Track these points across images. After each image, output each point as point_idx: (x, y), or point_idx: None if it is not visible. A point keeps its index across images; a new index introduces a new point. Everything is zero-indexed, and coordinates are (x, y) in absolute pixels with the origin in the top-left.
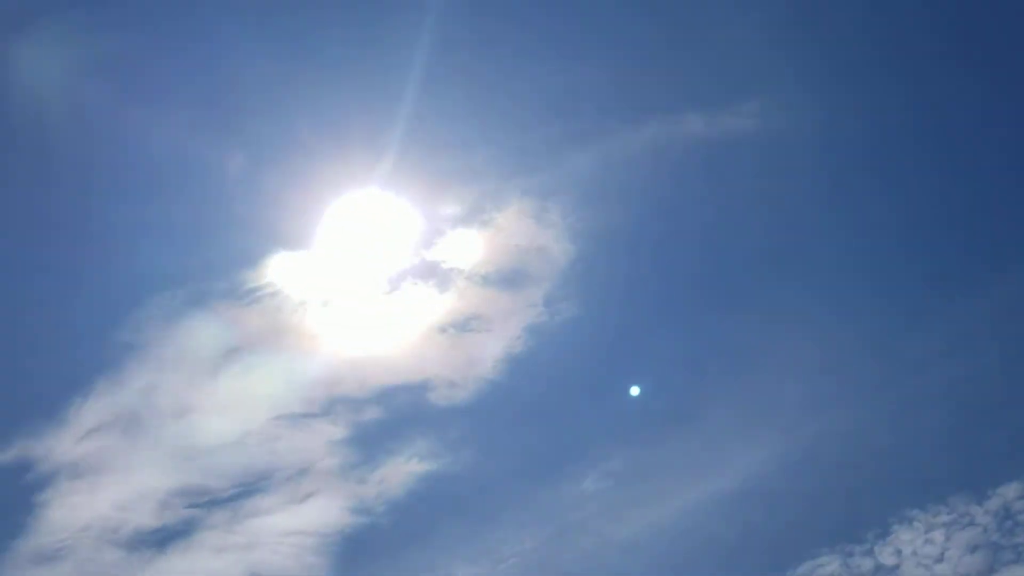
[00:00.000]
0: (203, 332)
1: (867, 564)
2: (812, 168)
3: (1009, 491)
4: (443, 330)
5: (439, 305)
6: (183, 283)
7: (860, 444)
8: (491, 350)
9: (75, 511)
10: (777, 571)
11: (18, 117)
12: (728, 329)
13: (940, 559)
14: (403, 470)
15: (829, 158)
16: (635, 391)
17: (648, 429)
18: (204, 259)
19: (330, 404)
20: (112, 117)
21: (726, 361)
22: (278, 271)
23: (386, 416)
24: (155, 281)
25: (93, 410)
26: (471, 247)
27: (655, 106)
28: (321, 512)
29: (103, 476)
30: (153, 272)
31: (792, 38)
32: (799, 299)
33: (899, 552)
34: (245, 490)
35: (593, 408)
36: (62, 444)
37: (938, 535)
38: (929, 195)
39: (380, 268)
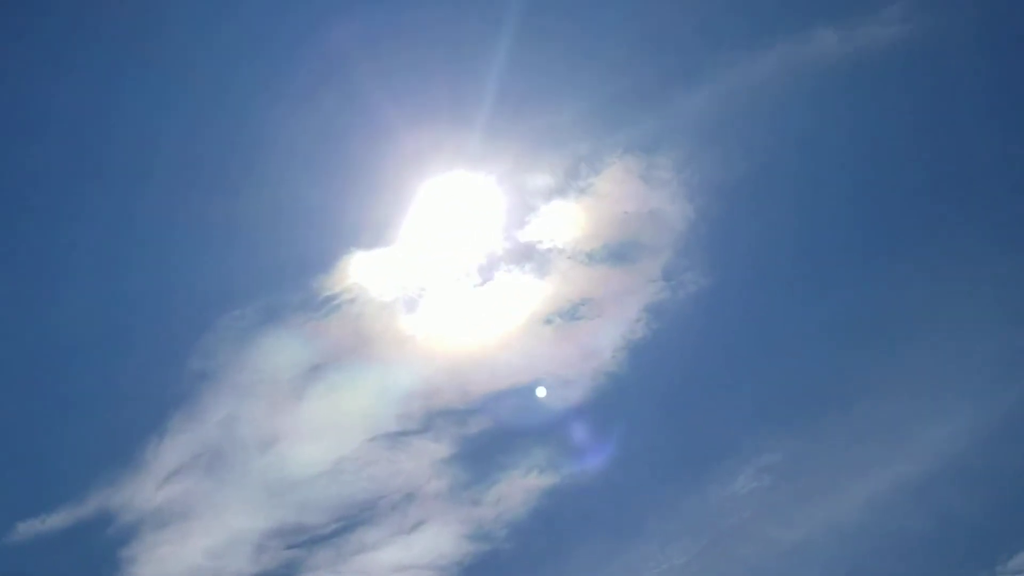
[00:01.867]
0: (281, 351)
1: None
2: (975, 81)
3: None
4: (549, 321)
5: (541, 293)
6: (254, 297)
7: None
8: (608, 338)
9: (165, 563)
10: (985, 567)
11: (73, 128)
12: (892, 286)
13: None
14: (522, 486)
15: (994, 67)
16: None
17: (807, 413)
18: (274, 268)
19: (430, 419)
20: (167, 109)
21: (894, 325)
22: (357, 273)
23: (495, 426)
24: (223, 298)
25: (171, 450)
26: (571, 221)
27: (775, 26)
28: (434, 541)
29: (191, 522)
30: (220, 288)
31: None
32: (975, 241)
33: None
34: (347, 524)
35: (736, 394)
36: (143, 491)
37: None
38: None
39: (469, 258)
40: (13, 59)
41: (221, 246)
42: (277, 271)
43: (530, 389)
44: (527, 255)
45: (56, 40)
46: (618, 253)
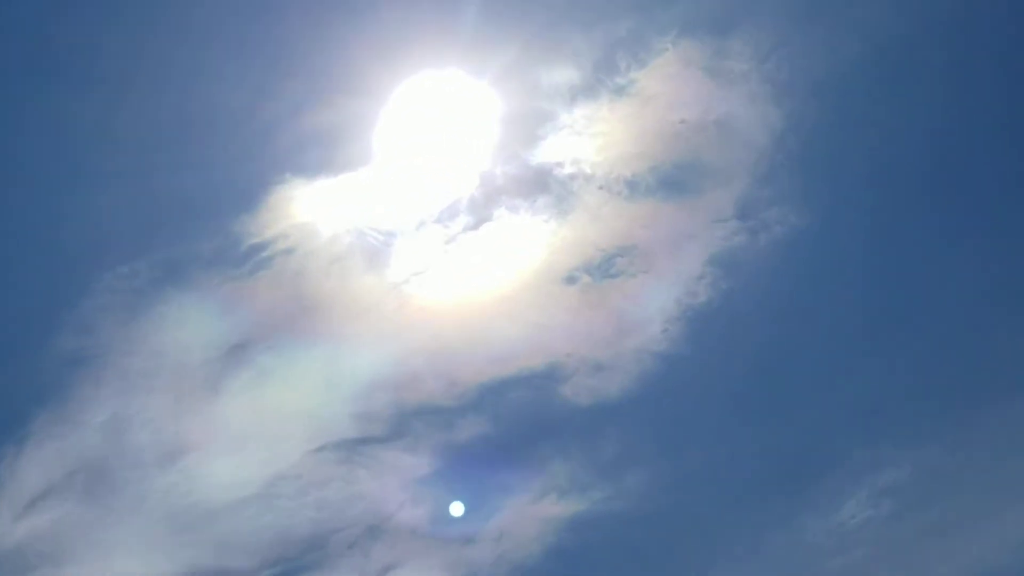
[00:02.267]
0: (189, 324)
1: None
2: None
3: None
4: (571, 279)
5: (560, 239)
6: (148, 248)
7: None
8: (656, 303)
9: None
10: None
11: None
12: None
13: None
14: (534, 516)
15: None
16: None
17: (946, 413)
18: (177, 206)
19: (402, 420)
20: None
21: None
22: (297, 212)
23: (494, 431)
24: (105, 250)
25: (35, 465)
26: (603, 136)
27: None
28: None
29: (63, 566)
30: (100, 236)
31: None
32: None
33: None
34: (286, 569)
35: (844, 386)
36: None
37: None
38: None
39: (457, 191)
40: None
41: (102, 178)
42: (181, 211)
43: (545, 378)
44: (540, 186)
45: None
46: (672, 181)
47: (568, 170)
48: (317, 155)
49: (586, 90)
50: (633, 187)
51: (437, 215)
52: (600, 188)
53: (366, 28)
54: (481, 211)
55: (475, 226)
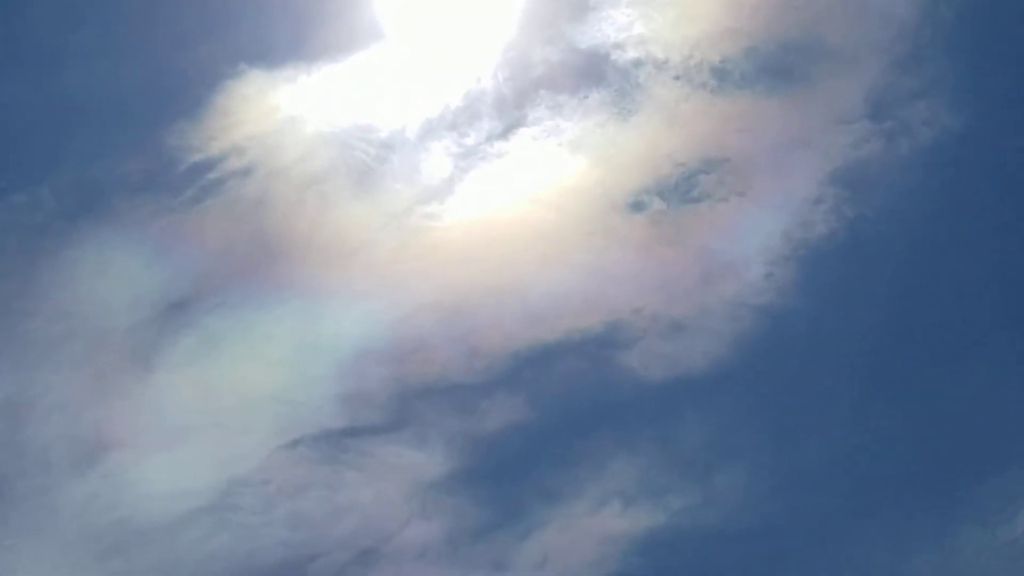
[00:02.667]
0: (111, 273)
1: None
2: None
3: None
4: (638, 205)
5: (622, 150)
6: (55, 170)
7: None
8: (756, 237)
9: None
10: None
11: None
12: None
13: None
14: (590, 531)
15: None
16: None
17: None
18: (94, 108)
19: (406, 404)
20: None
21: None
22: (255, 116)
23: (534, 415)
24: (5, 164)
25: None
26: (681, 6)
27: None
28: None
29: None
30: None
31: None
32: None
33: None
34: None
35: (1018, 354)
36: None
37: None
38: None
39: (480, 86)
40: None
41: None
42: (97, 117)
43: (602, 343)
44: (593, 76)
45: None
46: (777, 68)
47: (632, 54)
48: (285, 36)
49: None
50: (724, 77)
51: (452, 119)
52: (677, 79)
53: None
54: (512, 112)
55: (504, 133)
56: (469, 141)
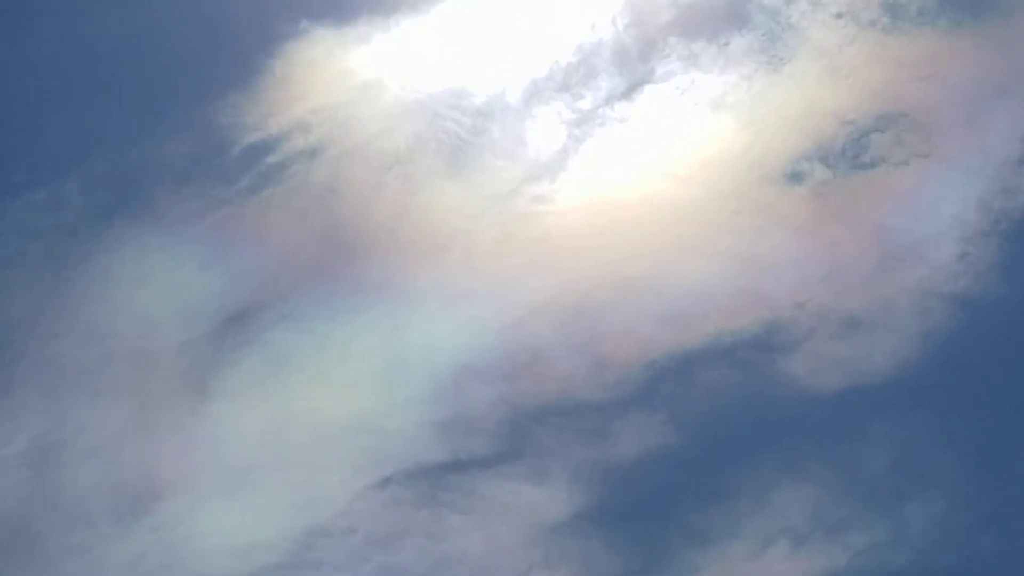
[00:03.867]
0: (155, 283)
1: None
2: None
3: None
4: (797, 175)
5: (775, 108)
6: (85, 160)
7: None
8: (946, 209)
9: None
10: None
11: None
12: None
13: None
14: None
15: None
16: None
17: None
18: (130, 89)
19: (520, 431)
20: None
21: None
22: (326, 89)
23: (678, 439)
24: (15, 165)
25: None
26: None
27: None
28: None
29: None
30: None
31: None
32: None
33: None
34: None
35: None
36: None
37: None
38: None
39: (595, 38)
40: None
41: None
42: (133, 87)
43: (760, 346)
44: (735, 17)
45: None
46: None
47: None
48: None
49: None
50: (898, 12)
51: (563, 78)
52: (839, 16)
53: None
54: (637, 67)
55: (627, 93)
56: (585, 105)
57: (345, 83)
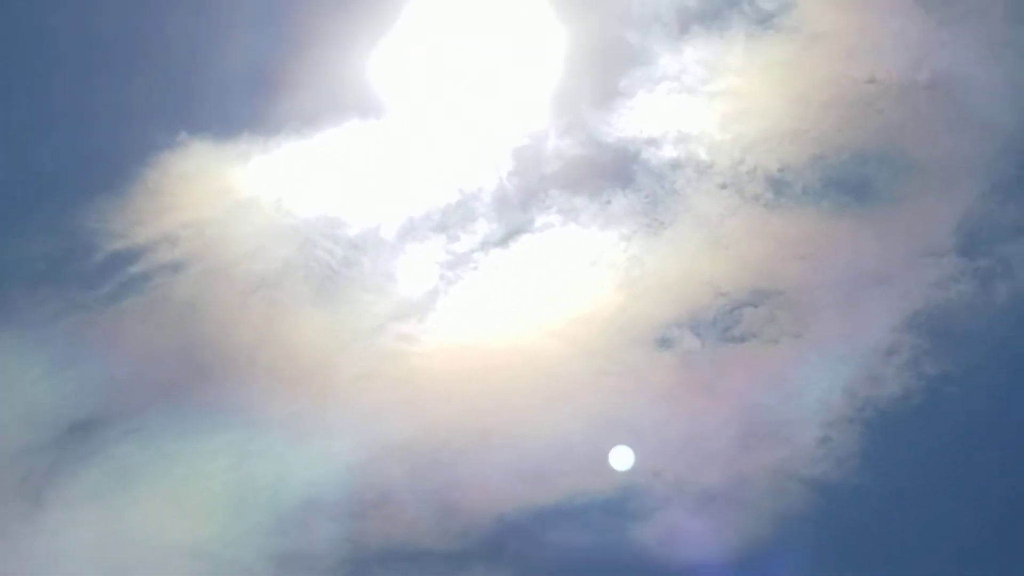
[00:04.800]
0: (1, 376)
1: None
2: None
3: None
4: (666, 341)
5: (651, 271)
6: None
7: None
8: (812, 391)
9: None
10: None
11: None
12: None
13: None
14: None
15: None
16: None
17: None
18: (5, 178)
19: (358, 570)
20: None
21: None
22: (198, 202)
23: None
24: None
25: None
26: (733, 99)
27: None
28: None
29: None
30: None
31: None
32: None
33: None
34: None
35: None
36: None
37: None
38: None
39: (478, 181)
40: None
41: None
42: (5, 181)
43: (615, 511)
44: (618, 177)
45: None
46: (849, 181)
47: (668, 153)
48: (241, 100)
49: (707, 16)
50: (781, 189)
51: (441, 218)
52: (723, 187)
53: None
54: (515, 216)
55: (504, 240)
56: (460, 247)
57: (219, 199)
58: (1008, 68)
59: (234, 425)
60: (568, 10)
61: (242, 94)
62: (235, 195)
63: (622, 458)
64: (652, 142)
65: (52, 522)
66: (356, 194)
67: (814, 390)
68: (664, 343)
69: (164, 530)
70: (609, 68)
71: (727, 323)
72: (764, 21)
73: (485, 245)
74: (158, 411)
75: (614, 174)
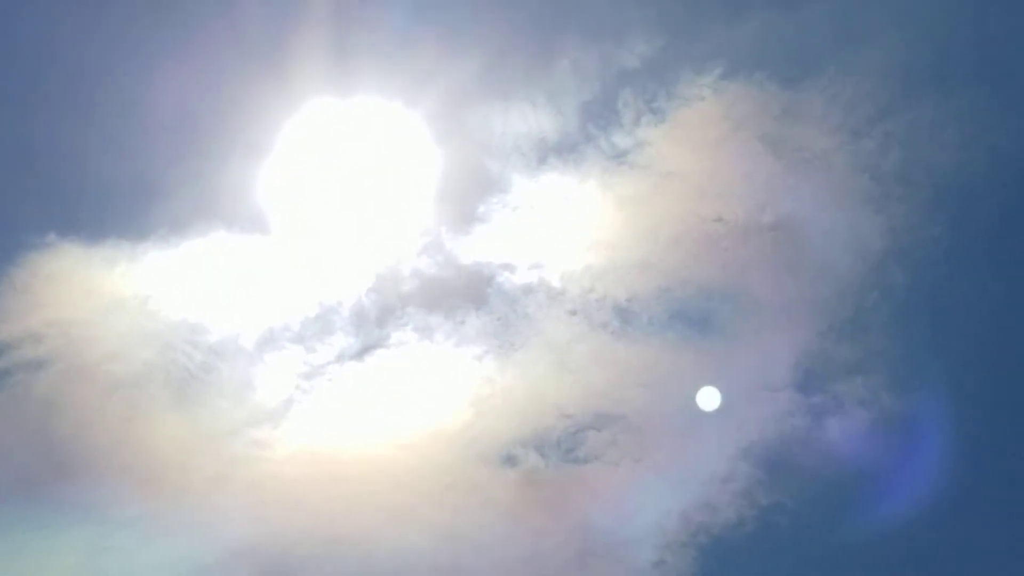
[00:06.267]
0: None
1: None
2: None
3: None
4: (511, 459)
5: (499, 391)
6: None
7: None
8: (649, 514)
9: None
10: None
11: None
12: None
13: None
14: None
15: None
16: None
17: None
18: None
19: None
20: None
21: None
22: (62, 303)
23: None
24: None
25: None
26: (585, 230)
27: None
28: None
29: None
30: None
31: None
32: None
33: None
34: None
35: None
36: None
37: None
38: None
39: (336, 296)
40: None
41: None
42: None
43: None
44: (471, 298)
45: None
46: (694, 316)
47: (522, 278)
48: (112, 205)
49: (563, 148)
50: (628, 319)
51: (298, 330)
52: (573, 314)
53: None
54: (372, 331)
55: (359, 354)
56: (317, 359)
57: (85, 300)
58: (847, 214)
59: (88, 522)
60: (433, 137)
61: (113, 199)
62: (101, 297)
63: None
64: (507, 266)
65: None
66: (219, 302)
67: (651, 513)
68: (509, 460)
69: None
70: (469, 193)
71: (571, 444)
72: (619, 157)
73: (341, 358)
74: (10, 505)
75: (469, 295)
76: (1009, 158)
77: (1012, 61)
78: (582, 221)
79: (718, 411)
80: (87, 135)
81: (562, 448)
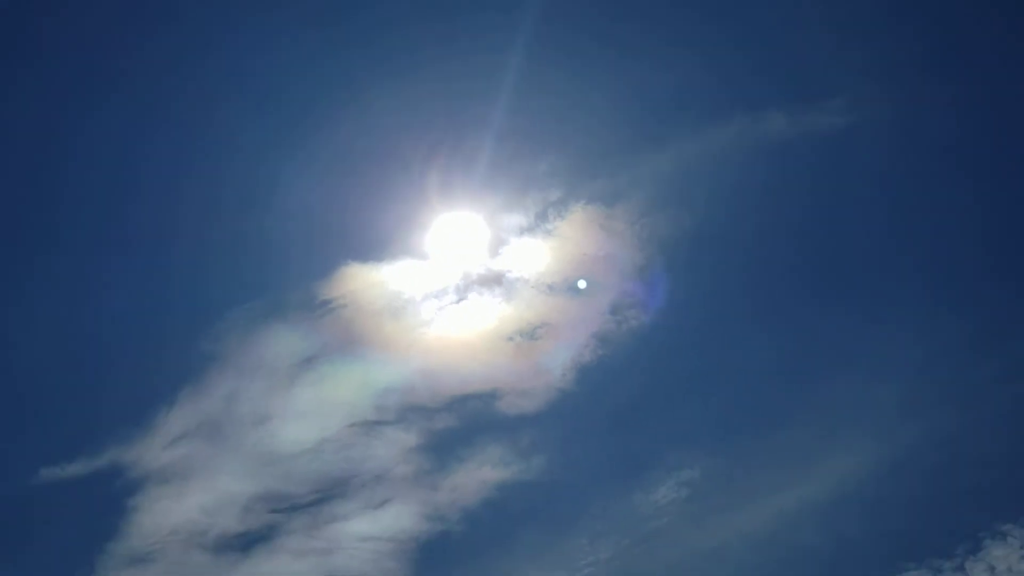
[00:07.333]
0: (281, 342)
1: None
2: (900, 165)
3: None
4: (511, 339)
5: (506, 314)
6: (261, 295)
7: (956, 452)
8: (560, 359)
9: (164, 515)
10: None
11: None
12: (812, 333)
13: None
14: (476, 478)
15: (917, 154)
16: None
17: (729, 437)
18: (281, 271)
19: (403, 412)
20: (195, 129)
21: (810, 365)
22: (352, 282)
23: (458, 424)
24: (235, 293)
25: (179, 418)
26: (537, 256)
27: (733, 105)
28: (397, 518)
29: (189, 482)
30: (232, 285)
31: (875, 32)
32: (889, 299)
33: (992, 569)
34: (323, 496)
35: (667, 416)
36: (151, 451)
37: None
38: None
39: (449, 279)
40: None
41: (237, 249)
42: (284, 275)
43: (490, 396)
44: (498, 281)
45: (52, 46)
46: (575, 288)
47: (514, 275)
48: (368, 249)
49: (530, 229)
50: (551, 288)
51: (435, 292)
52: (532, 287)
53: (408, 177)
54: (462, 293)
55: (457, 301)
56: (442, 303)
57: (359, 283)
58: (630, 252)
59: (365, 359)
60: (482, 223)
61: (369, 242)
62: (365, 284)
63: None
64: (509, 270)
65: (296, 391)
66: (408, 284)
67: (560, 358)
68: (510, 339)
69: (328, 395)
70: (495, 243)
71: (532, 333)
72: (549, 232)
73: (450, 304)
74: (339, 354)
75: (495, 282)
76: None
77: None
78: (536, 254)
79: (582, 321)
80: None
81: (528, 334)
